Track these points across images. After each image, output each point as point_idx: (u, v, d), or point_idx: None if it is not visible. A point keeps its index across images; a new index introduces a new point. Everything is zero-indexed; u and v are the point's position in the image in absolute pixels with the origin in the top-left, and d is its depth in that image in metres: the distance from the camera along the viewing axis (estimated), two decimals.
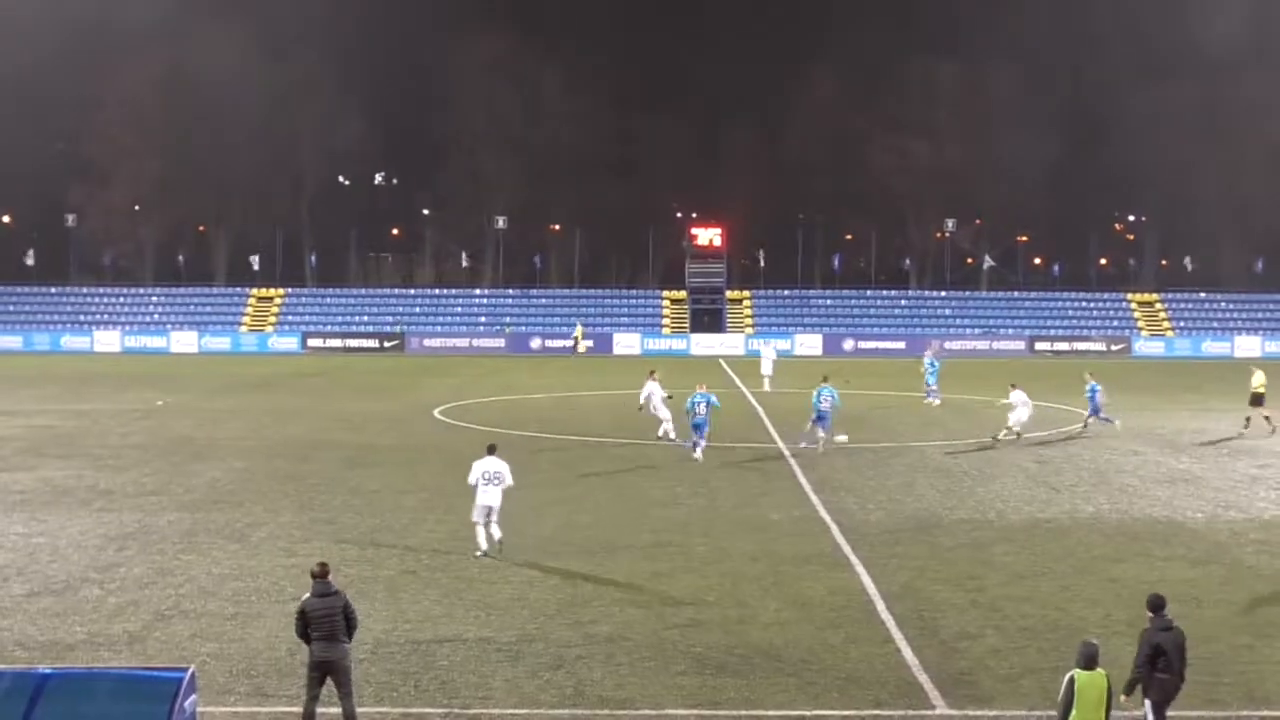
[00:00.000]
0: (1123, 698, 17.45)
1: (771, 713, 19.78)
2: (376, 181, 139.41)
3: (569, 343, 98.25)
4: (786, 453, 44.64)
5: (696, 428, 43.68)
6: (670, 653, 22.20)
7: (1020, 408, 48.06)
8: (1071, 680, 16.27)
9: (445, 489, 36.29)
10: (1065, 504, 35.91)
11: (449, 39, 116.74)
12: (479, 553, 28.87)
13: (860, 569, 28.09)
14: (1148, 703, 17.51)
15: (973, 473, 41.02)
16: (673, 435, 47.30)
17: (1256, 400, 51.82)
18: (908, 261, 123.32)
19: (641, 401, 49.13)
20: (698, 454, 43.12)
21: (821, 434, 45.53)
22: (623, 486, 38.45)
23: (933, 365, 63.20)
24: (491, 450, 30.03)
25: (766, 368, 69.96)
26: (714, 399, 44.73)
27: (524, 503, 34.30)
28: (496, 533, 29.11)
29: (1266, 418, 51.26)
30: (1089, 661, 16.36)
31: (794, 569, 28.00)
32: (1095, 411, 50.33)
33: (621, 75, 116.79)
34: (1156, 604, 18.01)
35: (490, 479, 29.19)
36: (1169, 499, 36.76)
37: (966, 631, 23.72)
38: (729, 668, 21.51)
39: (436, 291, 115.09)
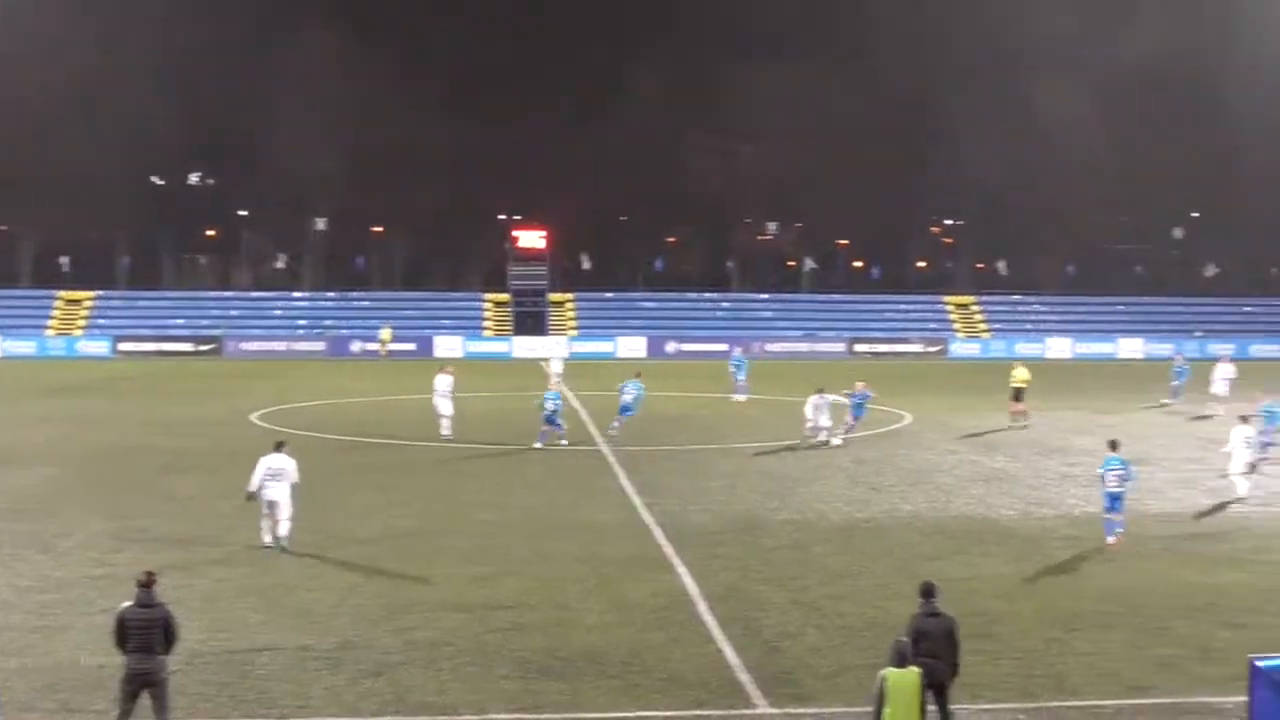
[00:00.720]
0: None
1: (594, 715, 19.74)
2: (191, 181, 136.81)
3: (376, 345, 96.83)
4: (609, 454, 44.62)
5: (549, 421, 46.15)
6: (492, 657, 22.06)
7: (815, 409, 47.57)
8: (883, 679, 16.38)
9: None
10: (884, 504, 36.33)
11: (265, 34, 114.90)
12: (263, 544, 29.50)
13: (683, 570, 28.14)
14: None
15: (794, 474, 41.34)
16: (446, 432, 48.22)
17: (1016, 395, 54.10)
18: (730, 264, 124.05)
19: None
20: (539, 444, 45.69)
21: (617, 422, 47.95)
22: (444, 490, 38.20)
23: (739, 363, 64.87)
24: (279, 447, 30.35)
25: (556, 366, 69.88)
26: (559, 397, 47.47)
27: (344, 507, 34.01)
28: (283, 530, 29.48)
29: (1017, 414, 53.39)
30: (901, 660, 16.48)
31: (617, 571, 27.98)
32: (855, 416, 50.21)
33: (444, 76, 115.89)
34: (926, 590, 18.34)
35: (274, 475, 29.45)
36: (983, 497, 37.37)
37: (787, 631, 23.87)
38: (552, 671, 21.42)
39: (254, 294, 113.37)
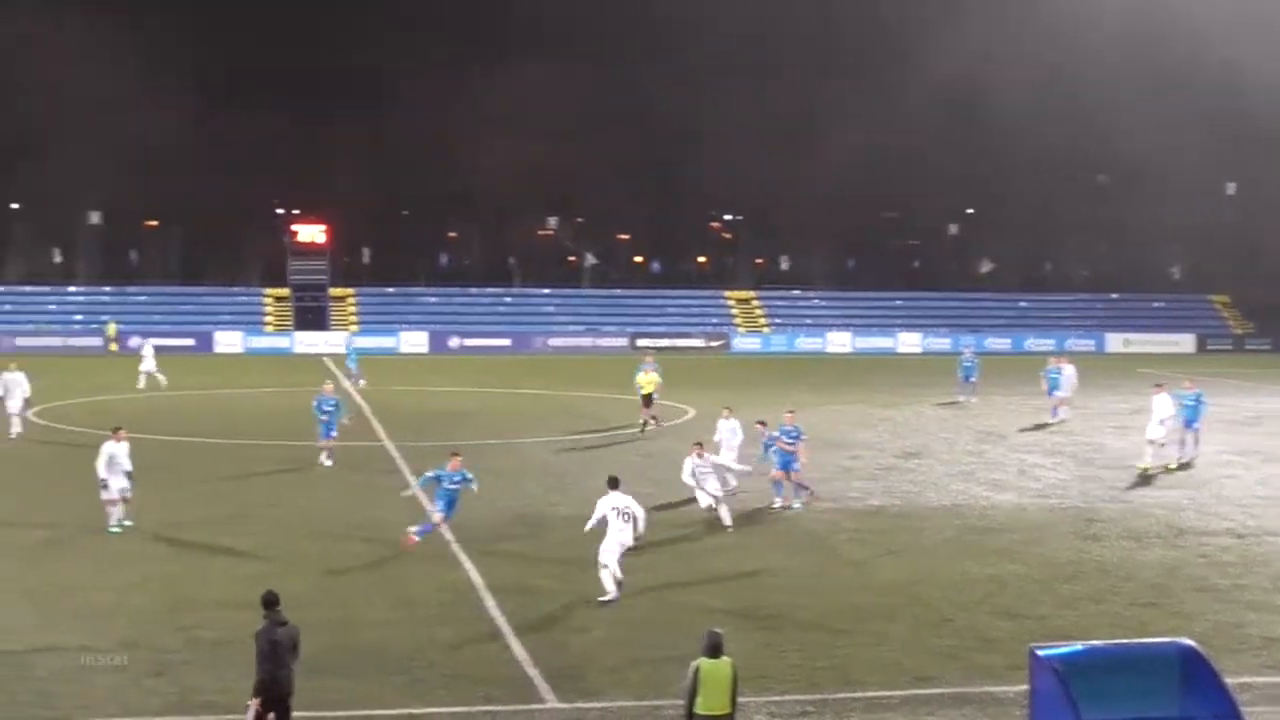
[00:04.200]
0: (252, 702, 17.39)
1: (380, 712, 19.60)
2: None
3: (100, 341, 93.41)
4: (394, 451, 44.19)
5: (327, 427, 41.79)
6: None
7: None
8: (696, 668, 16.43)
9: (37, 494, 34.83)
10: (670, 497, 36.35)
11: (34, 23, 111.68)
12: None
13: (469, 566, 28.02)
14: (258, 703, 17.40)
15: (575, 469, 41.33)
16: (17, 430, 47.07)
17: (646, 401, 50.76)
18: (511, 259, 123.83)
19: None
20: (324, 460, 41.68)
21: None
22: (225, 487, 37.54)
23: (352, 353, 70.37)
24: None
25: (149, 364, 67.87)
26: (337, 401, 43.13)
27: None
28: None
29: (654, 417, 50.36)
30: (713, 650, 16.54)
31: (401, 568, 27.74)
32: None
33: (219, 68, 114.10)
34: (270, 600, 17.78)
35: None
36: (767, 491, 37.58)
37: (574, 625, 23.89)
38: (337, 669, 21.15)
39: (27, 289, 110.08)
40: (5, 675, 20.65)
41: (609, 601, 25.38)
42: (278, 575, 26.74)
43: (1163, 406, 42.69)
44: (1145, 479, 40.46)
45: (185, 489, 37.13)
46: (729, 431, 37.75)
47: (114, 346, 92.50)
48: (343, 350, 70.00)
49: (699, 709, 16.35)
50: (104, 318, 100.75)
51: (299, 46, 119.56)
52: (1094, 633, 23.52)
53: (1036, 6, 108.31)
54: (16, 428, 47.09)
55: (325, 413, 41.93)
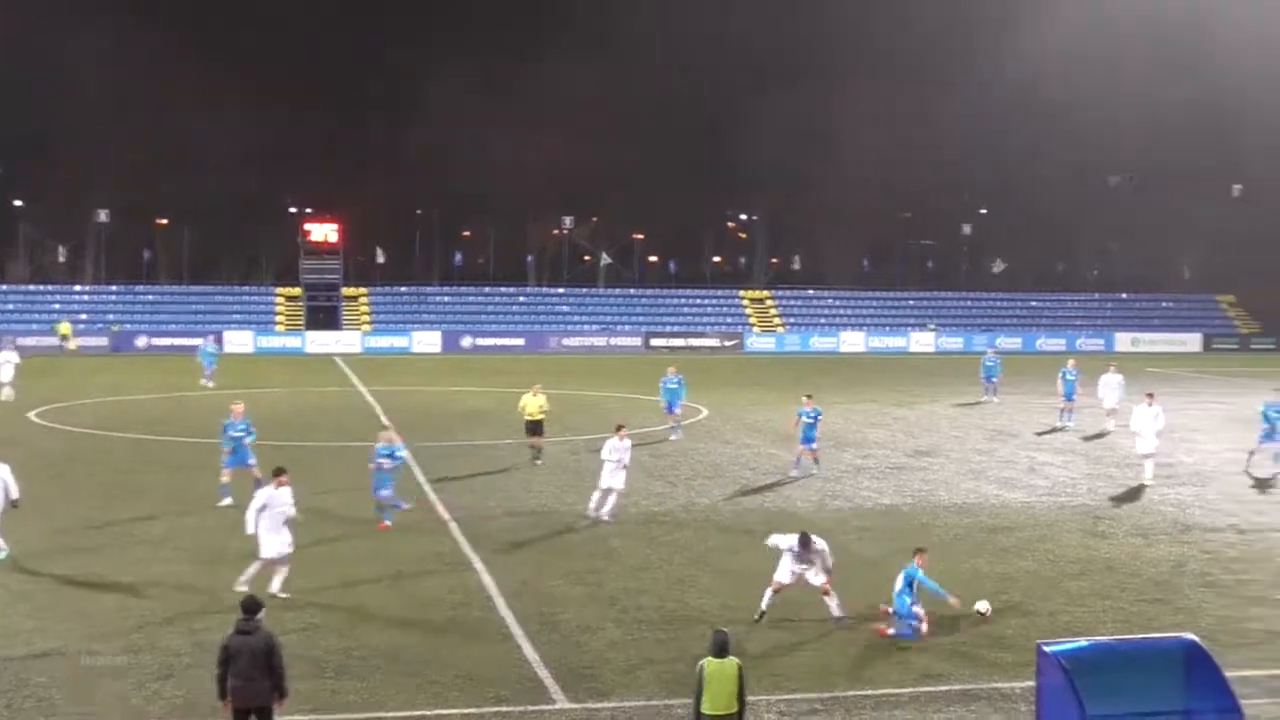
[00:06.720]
0: (220, 704, 17.23)
1: (391, 714, 19.56)
2: None
3: (57, 341, 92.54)
4: (403, 451, 44.04)
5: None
6: (287, 657, 21.55)
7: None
8: (701, 668, 16.51)
9: (41, 496, 34.67)
10: (681, 497, 36.45)
11: (48, 20, 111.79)
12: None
13: (480, 566, 27.98)
14: (227, 708, 17.15)
15: (588, 468, 41.11)
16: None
17: (533, 428, 43.13)
18: (530, 258, 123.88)
19: None
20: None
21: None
22: (232, 488, 37.34)
23: (210, 354, 68.57)
24: None
25: (6, 373, 60.84)
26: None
27: (131, 509, 33.24)
28: None
29: (538, 450, 42.94)
30: (720, 649, 16.62)
31: (413, 569, 27.71)
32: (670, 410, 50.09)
33: (233, 66, 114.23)
34: (246, 606, 17.48)
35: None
36: (779, 489, 37.63)
37: (586, 625, 23.83)
38: (348, 670, 21.17)
39: (31, 288, 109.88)
40: (3, 682, 20.54)
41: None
42: (289, 576, 26.73)
43: (1144, 417, 41.15)
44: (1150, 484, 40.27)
45: (192, 490, 36.93)
46: (622, 450, 33.75)
47: (73, 346, 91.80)
48: (200, 351, 69.18)
49: (704, 708, 16.42)
50: (109, 318, 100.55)
51: (314, 44, 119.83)
52: (1101, 629, 23.63)
53: (1050, 10, 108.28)
54: None
55: (233, 439, 35.90)
